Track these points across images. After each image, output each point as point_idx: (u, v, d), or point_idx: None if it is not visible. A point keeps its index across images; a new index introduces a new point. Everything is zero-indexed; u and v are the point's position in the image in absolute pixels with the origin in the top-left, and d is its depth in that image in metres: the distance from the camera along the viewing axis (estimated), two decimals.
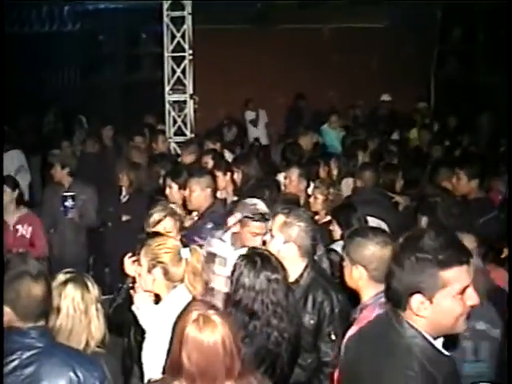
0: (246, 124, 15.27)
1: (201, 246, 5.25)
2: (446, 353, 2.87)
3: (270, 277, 4.24)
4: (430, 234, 2.79)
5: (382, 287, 3.88)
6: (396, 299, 2.89)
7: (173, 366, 3.11)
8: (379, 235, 4.08)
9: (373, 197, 7.32)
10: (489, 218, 6.61)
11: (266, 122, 15.16)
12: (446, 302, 2.77)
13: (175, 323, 3.18)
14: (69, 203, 8.39)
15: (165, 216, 5.62)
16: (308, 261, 4.77)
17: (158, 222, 5.58)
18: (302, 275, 4.70)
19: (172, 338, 3.17)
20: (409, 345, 2.82)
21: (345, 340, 3.61)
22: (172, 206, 5.85)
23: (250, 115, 15.13)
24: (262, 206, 5.53)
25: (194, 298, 4.22)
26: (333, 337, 4.51)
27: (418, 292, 2.77)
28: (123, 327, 5.09)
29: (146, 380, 4.29)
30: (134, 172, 8.73)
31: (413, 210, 6.65)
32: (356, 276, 4.04)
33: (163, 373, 3.34)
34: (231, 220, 5.65)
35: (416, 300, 2.78)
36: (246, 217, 5.45)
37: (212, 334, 3.05)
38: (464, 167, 7.18)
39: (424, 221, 5.94)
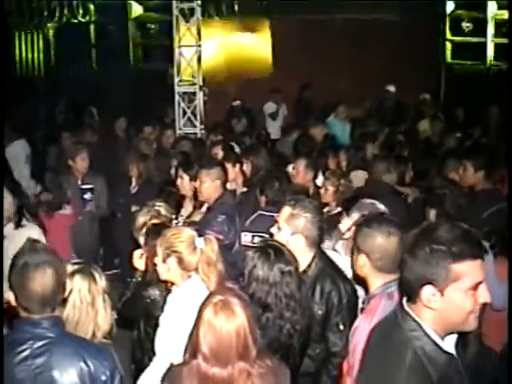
0: (255, 115, 14.98)
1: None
2: (450, 351, 2.84)
3: (283, 269, 4.25)
4: (445, 227, 2.78)
5: (388, 277, 3.92)
6: (407, 290, 2.89)
7: (192, 346, 3.27)
8: (384, 225, 4.08)
9: (381, 190, 7.29)
10: (496, 209, 6.58)
11: (284, 116, 14.93)
12: (457, 296, 2.74)
13: (200, 312, 3.30)
14: (88, 196, 8.43)
15: (150, 219, 5.63)
16: (315, 251, 4.78)
17: (143, 224, 5.58)
18: (309, 266, 4.70)
19: (194, 322, 3.31)
20: (408, 338, 2.81)
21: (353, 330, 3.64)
22: (159, 207, 5.81)
23: (270, 108, 14.81)
24: (381, 205, 5.24)
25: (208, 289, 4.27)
26: (341, 327, 4.52)
27: (430, 283, 2.76)
28: (133, 321, 5.13)
29: (161, 366, 4.35)
30: (144, 163, 8.77)
31: (421, 203, 6.64)
32: (360, 264, 4.06)
33: (184, 354, 3.45)
34: (346, 223, 5.36)
35: (427, 291, 2.77)
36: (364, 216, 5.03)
37: (226, 321, 3.19)
38: (471, 158, 7.15)
39: (432, 213, 5.94)
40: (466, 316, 2.78)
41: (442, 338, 2.84)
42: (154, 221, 5.55)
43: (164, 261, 4.53)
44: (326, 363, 4.58)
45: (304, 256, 4.67)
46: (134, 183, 8.77)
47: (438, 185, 6.73)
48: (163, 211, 5.77)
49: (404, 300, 2.94)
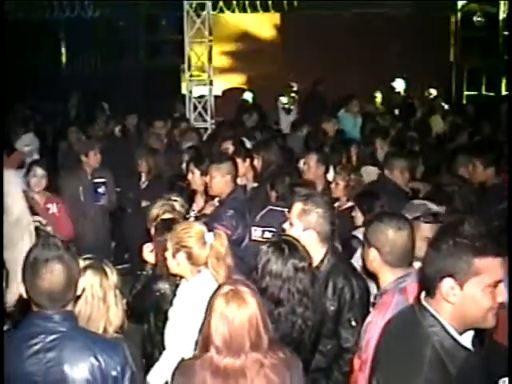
0: (267, 109, 14.89)
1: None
2: (468, 346, 2.84)
3: (297, 265, 4.24)
4: (470, 222, 2.79)
5: (399, 272, 3.92)
6: (427, 284, 2.90)
7: (203, 339, 3.27)
8: (395, 220, 4.08)
9: (386, 186, 7.27)
10: (507, 205, 6.56)
11: (298, 110, 14.87)
12: (475, 291, 2.75)
13: (210, 303, 3.32)
14: (101, 189, 8.44)
15: (163, 212, 5.63)
16: (328, 247, 4.77)
17: (156, 217, 5.59)
18: (322, 261, 4.69)
19: (204, 315, 3.32)
20: (428, 334, 2.82)
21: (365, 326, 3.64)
22: (173, 202, 5.82)
23: (284, 101, 14.74)
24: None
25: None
26: (353, 323, 4.51)
27: (450, 276, 2.76)
28: (143, 314, 5.14)
29: (171, 360, 4.36)
30: (153, 158, 8.78)
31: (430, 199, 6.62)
32: (370, 258, 4.05)
33: (195, 348, 3.46)
34: None
35: (447, 284, 2.78)
36: (416, 218, 4.89)
37: (238, 310, 3.21)
38: (480, 155, 7.13)
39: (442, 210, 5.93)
40: (484, 313, 2.77)
41: (460, 334, 2.84)
42: (167, 215, 5.55)
43: (174, 255, 4.55)
44: (338, 359, 4.56)
45: (317, 252, 4.66)
46: (143, 178, 8.79)
47: (447, 182, 6.69)
48: (178, 206, 5.77)
49: (422, 295, 2.95)
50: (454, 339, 2.81)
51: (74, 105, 14.74)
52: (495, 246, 2.75)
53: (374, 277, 4.27)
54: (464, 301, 2.77)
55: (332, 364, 4.60)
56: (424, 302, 2.91)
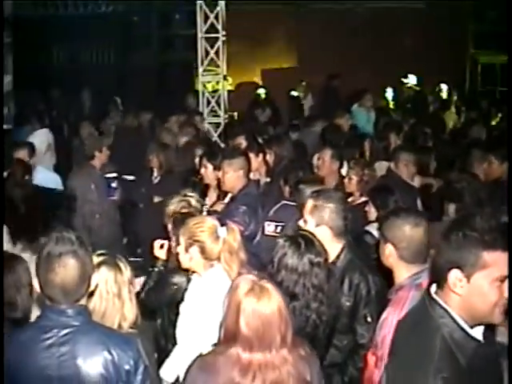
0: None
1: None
2: (478, 338, 2.84)
3: (313, 260, 4.24)
4: (482, 216, 2.82)
5: (415, 268, 3.91)
6: (437, 275, 2.92)
7: (228, 336, 3.22)
8: (412, 215, 4.09)
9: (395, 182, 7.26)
10: None
11: (310, 106, 14.85)
12: (482, 284, 2.76)
13: (228, 296, 3.27)
14: (114, 184, 8.44)
15: (180, 208, 5.64)
16: (344, 242, 4.77)
17: (174, 213, 5.60)
18: (338, 257, 4.69)
19: (226, 310, 3.25)
20: (438, 325, 2.83)
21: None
22: (190, 198, 5.83)
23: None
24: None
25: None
26: (369, 319, 4.50)
27: (458, 268, 2.78)
28: (156, 309, 5.15)
29: (183, 354, 4.36)
30: (164, 153, 8.75)
31: (440, 197, 6.59)
32: (386, 254, 4.05)
33: (216, 344, 3.41)
34: None
35: (454, 275, 2.79)
36: None
37: (269, 302, 3.17)
38: (495, 151, 7.10)
39: (452, 207, 5.90)
40: (491, 307, 2.78)
41: (471, 328, 2.84)
42: (184, 211, 5.57)
43: (186, 250, 4.55)
44: (353, 355, 4.56)
45: (332, 247, 4.65)
46: (155, 173, 8.77)
47: (456, 178, 6.67)
48: (194, 202, 5.78)
49: (432, 288, 2.96)
50: (464, 330, 2.81)
51: (87, 99, 14.75)
52: (504, 241, 2.76)
53: (387, 273, 4.26)
54: (471, 293, 2.78)
55: (347, 360, 4.61)
56: (434, 295, 2.92)
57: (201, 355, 3.49)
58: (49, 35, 17.92)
